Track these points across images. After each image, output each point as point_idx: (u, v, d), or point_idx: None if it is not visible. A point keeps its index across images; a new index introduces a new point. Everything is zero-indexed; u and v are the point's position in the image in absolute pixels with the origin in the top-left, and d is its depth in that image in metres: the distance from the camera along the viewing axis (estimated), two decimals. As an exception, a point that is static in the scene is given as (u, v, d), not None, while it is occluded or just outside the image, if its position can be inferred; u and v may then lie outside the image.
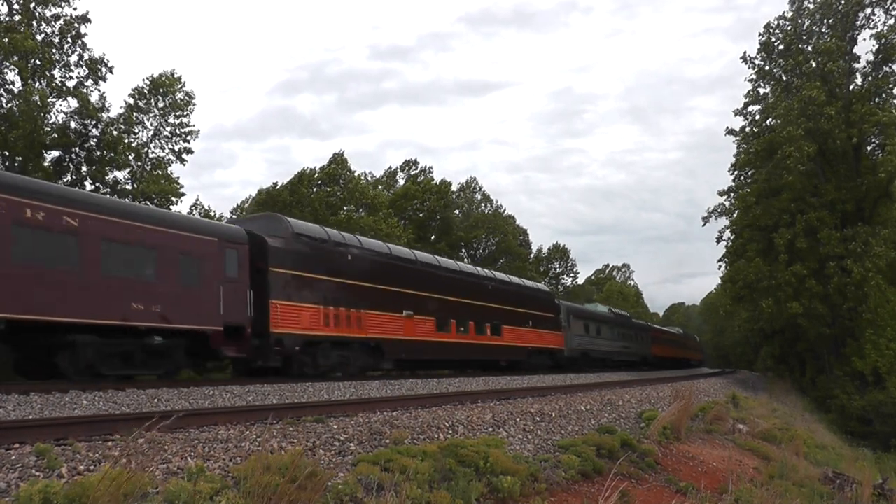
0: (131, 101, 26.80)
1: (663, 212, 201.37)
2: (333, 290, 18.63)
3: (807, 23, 36.93)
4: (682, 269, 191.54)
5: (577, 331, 36.02)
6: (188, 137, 27.81)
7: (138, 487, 4.68)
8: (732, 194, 40.88)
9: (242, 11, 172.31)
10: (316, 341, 17.84)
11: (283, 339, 16.76)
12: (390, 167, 60.76)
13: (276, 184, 40.80)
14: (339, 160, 41.43)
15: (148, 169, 26.73)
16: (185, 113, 27.54)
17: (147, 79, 27.15)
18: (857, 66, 36.67)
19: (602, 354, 39.51)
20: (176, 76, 27.48)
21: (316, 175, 40.32)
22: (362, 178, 48.29)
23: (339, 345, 18.66)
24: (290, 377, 16.43)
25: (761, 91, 39.05)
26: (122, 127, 25.78)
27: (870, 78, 36.05)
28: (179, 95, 27.43)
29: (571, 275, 77.57)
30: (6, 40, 21.90)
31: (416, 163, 60.07)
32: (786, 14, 37.76)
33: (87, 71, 24.93)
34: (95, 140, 24.86)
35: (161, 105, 27.19)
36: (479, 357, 25.76)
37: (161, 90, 27.03)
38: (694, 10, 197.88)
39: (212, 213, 39.79)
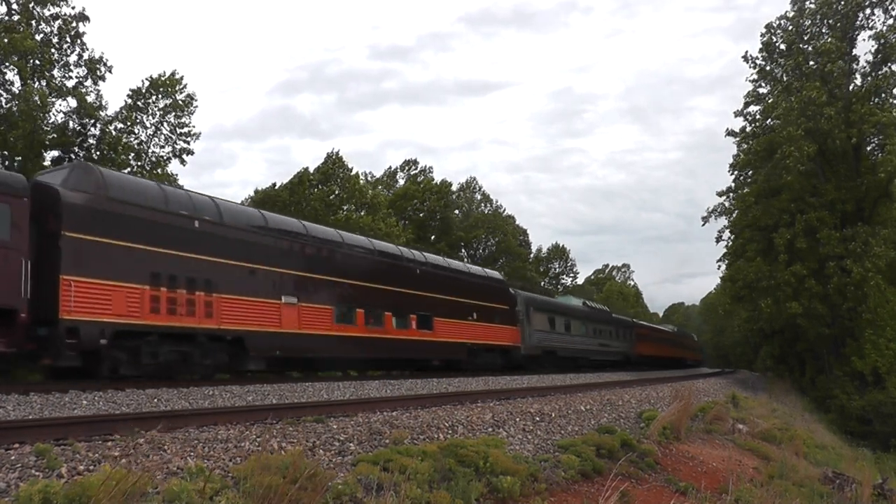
0: (130, 100, 26.78)
1: (663, 212, 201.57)
2: (169, 264, 14.41)
3: (808, 23, 36.95)
4: (681, 269, 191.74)
5: (539, 325, 31.60)
6: (188, 139, 27.79)
7: (138, 487, 4.68)
8: (732, 194, 40.93)
9: (242, 11, 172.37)
10: (136, 332, 13.70)
11: (80, 329, 12.71)
12: (390, 167, 60.83)
13: (274, 184, 40.86)
14: (334, 159, 41.39)
15: (148, 169, 26.71)
16: (185, 114, 27.51)
17: (147, 78, 27.14)
18: (856, 66, 36.77)
19: (572, 353, 35.01)
20: (177, 77, 27.45)
21: (311, 176, 40.29)
22: (361, 178, 48.27)
23: (176, 338, 14.43)
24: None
25: (762, 91, 39.12)
26: (122, 126, 25.78)
27: (869, 78, 36.07)
28: (181, 96, 27.38)
29: (571, 275, 77.71)
30: (5, 40, 21.90)
31: (415, 163, 60.18)
32: (787, 14, 37.81)
33: (86, 71, 24.94)
34: (95, 139, 24.86)
35: (161, 105, 27.16)
36: (399, 355, 21.92)
37: (161, 90, 27.00)
38: (694, 9, 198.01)
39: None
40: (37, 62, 23.42)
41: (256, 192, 42.33)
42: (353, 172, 42.52)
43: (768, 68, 38.45)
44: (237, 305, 15.78)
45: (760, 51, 38.59)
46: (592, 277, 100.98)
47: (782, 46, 37.48)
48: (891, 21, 34.91)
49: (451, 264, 26.81)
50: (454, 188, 59.85)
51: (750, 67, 38.97)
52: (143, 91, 26.95)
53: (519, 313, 29.51)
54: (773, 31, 38.14)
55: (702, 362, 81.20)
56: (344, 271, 19.52)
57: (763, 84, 39.00)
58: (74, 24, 24.41)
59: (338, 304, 18.96)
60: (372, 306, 20.30)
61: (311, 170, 41.13)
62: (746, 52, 40.79)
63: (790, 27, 37.48)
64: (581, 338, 36.87)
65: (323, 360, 19.73)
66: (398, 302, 21.57)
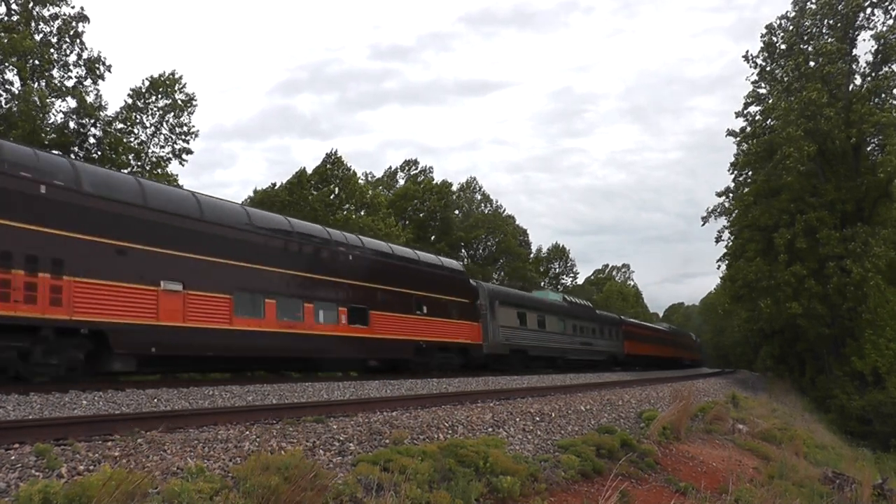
0: (130, 100, 26.81)
1: (663, 212, 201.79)
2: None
3: (808, 23, 36.96)
4: (682, 269, 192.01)
5: (507, 321, 28.61)
6: (187, 138, 27.81)
7: (138, 488, 4.68)
8: (731, 195, 40.94)
9: (242, 11, 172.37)
10: None
11: None
12: (391, 167, 60.83)
13: (273, 185, 40.86)
14: (333, 159, 41.37)
15: (147, 169, 26.73)
16: (185, 114, 27.54)
17: (147, 78, 27.17)
18: (856, 66, 36.78)
19: (547, 352, 32.13)
20: (177, 77, 27.47)
21: (310, 177, 40.29)
22: (362, 178, 48.31)
23: (9, 331, 11.70)
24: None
25: (762, 91, 39.11)
26: (122, 126, 25.79)
27: (869, 78, 36.08)
28: (180, 96, 27.41)
29: (571, 275, 77.75)
30: (5, 40, 21.91)
31: (416, 163, 60.19)
32: (788, 14, 37.83)
33: (85, 70, 24.96)
34: (94, 139, 24.88)
35: (161, 104, 27.19)
36: (323, 355, 18.83)
37: (161, 90, 27.03)
38: (695, 9, 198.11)
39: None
40: (36, 62, 23.43)
41: (256, 192, 42.36)
42: (352, 172, 42.56)
43: (768, 69, 38.46)
44: (97, 292, 12.91)
45: (761, 51, 38.64)
46: (592, 277, 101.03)
47: (783, 47, 37.51)
48: (891, 21, 34.96)
49: (397, 250, 23.20)
50: (454, 188, 59.92)
51: (751, 67, 39.05)
52: (143, 91, 26.98)
53: (482, 307, 26.44)
54: (773, 31, 38.17)
55: (701, 362, 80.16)
56: (249, 254, 16.42)
57: (763, 85, 39.03)
58: (74, 24, 24.44)
59: (239, 292, 15.89)
60: (287, 296, 17.29)
61: (310, 170, 41.14)
62: (747, 52, 40.87)
63: (791, 27, 37.50)
64: (558, 335, 34.08)
65: (219, 360, 16.60)
66: (323, 292, 18.46)
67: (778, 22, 38.08)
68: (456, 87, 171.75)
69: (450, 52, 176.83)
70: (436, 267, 24.65)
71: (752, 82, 39.10)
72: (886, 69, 35.28)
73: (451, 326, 23.89)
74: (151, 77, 27.25)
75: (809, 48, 36.54)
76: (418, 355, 22.01)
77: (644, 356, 49.47)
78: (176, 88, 27.32)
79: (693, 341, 76.47)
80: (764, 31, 38.47)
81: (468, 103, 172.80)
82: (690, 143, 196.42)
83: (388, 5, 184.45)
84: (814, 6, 36.92)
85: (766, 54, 38.44)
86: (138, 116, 26.71)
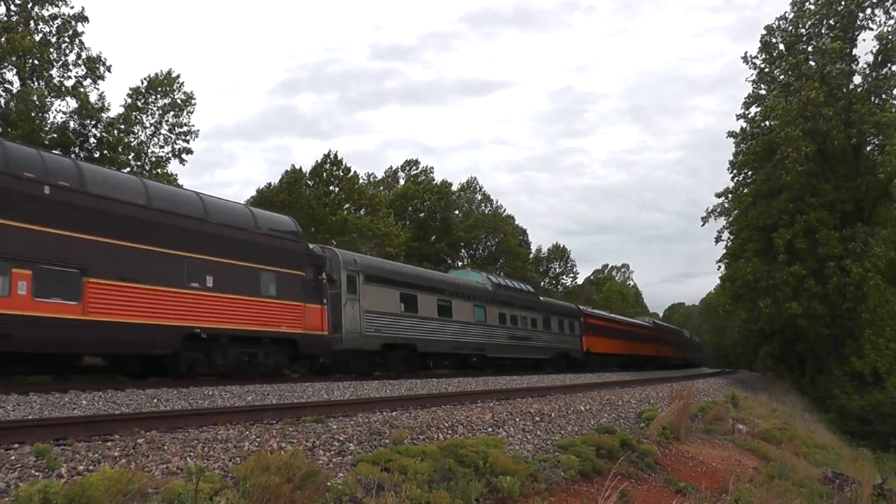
0: (129, 100, 26.81)
1: (664, 211, 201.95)
2: None
3: (808, 24, 36.96)
4: (682, 269, 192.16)
5: (378, 305, 21.42)
6: (187, 138, 27.81)
7: (138, 488, 4.68)
8: (730, 195, 40.93)
9: (243, 11, 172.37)
10: None
11: None
12: (392, 167, 60.85)
13: (270, 184, 40.86)
14: (331, 159, 41.35)
15: (147, 168, 26.73)
16: (184, 113, 27.54)
17: (145, 78, 27.18)
18: (856, 66, 36.78)
19: (451, 348, 25.28)
20: (174, 76, 27.47)
21: (307, 177, 40.29)
22: (363, 178, 48.32)
23: None
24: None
25: (762, 93, 39.10)
26: (122, 127, 25.79)
27: (869, 78, 36.09)
28: (179, 95, 27.42)
29: (571, 275, 77.78)
30: (4, 40, 21.91)
31: (416, 163, 60.16)
32: (786, 15, 37.83)
33: (85, 70, 24.96)
34: (94, 140, 24.87)
35: (160, 104, 27.20)
36: None
37: (159, 89, 27.04)
38: (695, 9, 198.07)
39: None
40: (35, 62, 23.43)
41: (258, 191, 42.35)
42: (353, 173, 42.57)
43: (767, 69, 38.47)
44: None
45: (759, 52, 38.65)
46: (592, 278, 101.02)
47: (781, 47, 37.51)
48: (892, 22, 34.97)
49: (153, 188, 15.58)
50: (455, 188, 59.95)
51: (750, 68, 39.06)
52: (143, 90, 27.00)
53: (334, 285, 19.60)
54: (772, 32, 38.17)
55: (701, 362, 78.13)
56: None
57: (762, 86, 39.03)
58: (73, 24, 24.43)
59: None
60: None
61: (307, 170, 41.13)
62: (746, 52, 40.91)
63: (789, 28, 37.50)
64: (473, 327, 26.79)
65: None
66: None
67: (777, 23, 38.12)
68: (457, 86, 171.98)
69: (451, 51, 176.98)
70: (236, 217, 16.89)
71: (752, 83, 39.17)
72: (887, 69, 35.29)
73: (268, 308, 16.72)
74: (150, 76, 27.28)
75: (809, 48, 36.55)
76: (192, 348, 14.83)
77: (613, 355, 42.47)
78: (174, 87, 27.33)
79: (685, 338, 70.35)
80: (763, 31, 38.58)
81: (469, 103, 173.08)
82: (691, 142, 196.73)
83: (389, 5, 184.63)
84: (812, 7, 36.94)
85: (764, 55, 38.47)
86: (138, 116, 26.71)
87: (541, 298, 35.62)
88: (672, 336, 62.86)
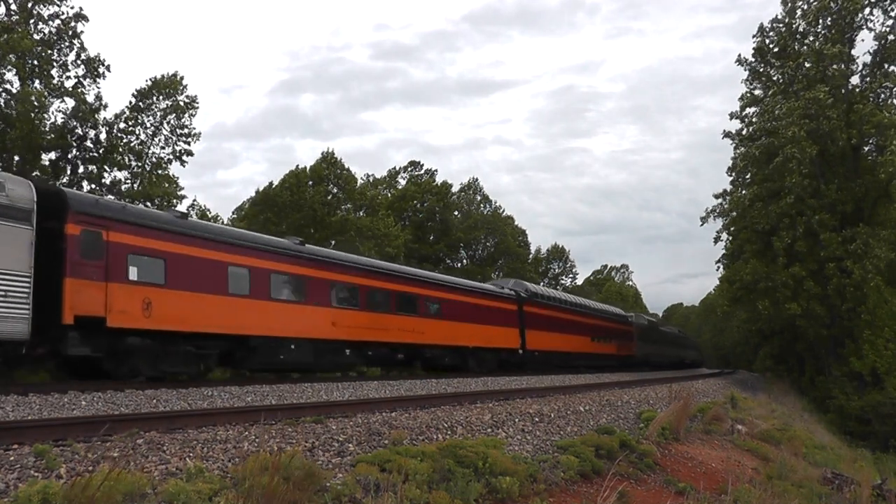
0: (133, 100, 26.74)
1: (665, 211, 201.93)
2: None
3: (802, 24, 36.93)
4: (682, 269, 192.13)
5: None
6: (188, 140, 27.73)
7: (137, 488, 4.68)
8: (728, 197, 40.86)
9: (245, 10, 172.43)
10: None
11: None
12: (394, 167, 60.75)
13: (271, 183, 40.71)
14: (330, 159, 41.24)
15: (148, 170, 26.67)
16: (186, 115, 27.45)
17: (150, 80, 27.11)
18: (854, 67, 36.76)
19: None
20: (178, 77, 27.39)
21: (307, 177, 40.18)
22: (363, 178, 48.28)
23: None
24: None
25: (758, 93, 39.05)
26: (122, 127, 25.74)
27: (867, 79, 36.08)
28: (182, 98, 27.33)
29: (570, 275, 77.76)
30: (4, 39, 21.88)
31: (419, 164, 59.93)
32: (778, 16, 37.81)
33: (84, 70, 24.90)
34: (93, 141, 24.82)
35: (163, 106, 27.12)
36: None
37: (163, 91, 26.96)
38: (698, 9, 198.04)
39: (210, 215, 39.85)
40: (35, 62, 23.39)
41: (258, 192, 42.27)
42: (352, 173, 42.48)
43: (761, 70, 38.45)
44: None
45: (753, 54, 38.61)
46: (591, 278, 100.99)
47: (775, 49, 37.50)
48: (890, 22, 34.97)
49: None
50: (455, 189, 59.92)
51: (745, 70, 39.04)
52: (147, 91, 26.92)
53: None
54: (765, 33, 38.16)
55: (700, 362, 76.75)
56: None
57: (757, 86, 38.99)
58: (73, 24, 24.39)
59: None
60: None
61: (308, 169, 41.01)
62: (739, 55, 40.86)
63: (783, 29, 37.46)
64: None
65: None
66: None
67: (769, 25, 38.10)
68: (459, 86, 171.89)
69: (453, 51, 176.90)
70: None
71: (747, 83, 39.14)
72: (887, 69, 35.27)
73: None
74: (154, 78, 27.19)
75: (805, 48, 36.51)
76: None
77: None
78: (178, 90, 27.23)
79: (677, 335, 59.65)
80: (756, 32, 38.50)
81: (471, 103, 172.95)
82: (692, 142, 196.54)
83: (391, 5, 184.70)
84: (805, 7, 36.88)
85: (758, 56, 38.43)
86: (140, 117, 26.64)
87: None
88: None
